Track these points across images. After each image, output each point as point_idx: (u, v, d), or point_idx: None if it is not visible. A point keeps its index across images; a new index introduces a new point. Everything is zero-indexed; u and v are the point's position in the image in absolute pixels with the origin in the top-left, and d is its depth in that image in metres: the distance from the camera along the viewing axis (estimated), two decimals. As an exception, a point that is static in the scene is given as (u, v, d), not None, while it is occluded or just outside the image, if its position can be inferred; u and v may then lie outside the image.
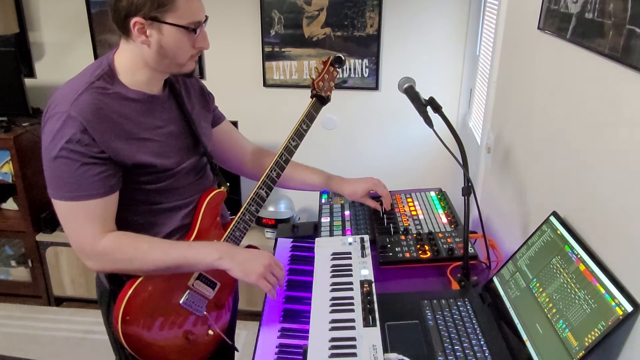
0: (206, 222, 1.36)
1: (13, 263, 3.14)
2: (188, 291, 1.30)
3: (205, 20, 1.22)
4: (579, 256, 1.04)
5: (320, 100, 1.53)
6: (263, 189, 1.40)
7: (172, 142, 1.29)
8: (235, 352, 1.53)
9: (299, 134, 1.46)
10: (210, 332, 1.36)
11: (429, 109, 1.48)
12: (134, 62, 1.21)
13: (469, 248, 1.40)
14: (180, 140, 1.32)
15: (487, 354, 1.10)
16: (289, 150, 1.44)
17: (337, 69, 1.57)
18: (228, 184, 1.46)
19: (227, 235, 1.36)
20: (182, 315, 1.30)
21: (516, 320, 1.15)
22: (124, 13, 1.13)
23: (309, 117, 1.49)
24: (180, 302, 1.29)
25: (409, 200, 1.81)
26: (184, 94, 1.36)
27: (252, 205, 1.38)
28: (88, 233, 1.18)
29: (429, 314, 1.23)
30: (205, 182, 1.41)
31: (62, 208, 1.18)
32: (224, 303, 1.40)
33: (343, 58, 1.57)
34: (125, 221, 1.25)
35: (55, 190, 1.17)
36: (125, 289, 1.23)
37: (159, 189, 1.28)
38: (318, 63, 1.61)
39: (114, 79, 1.20)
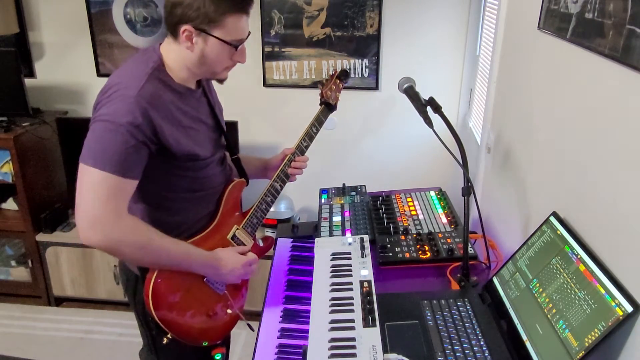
0: (228, 209, 1.47)
1: (13, 263, 3.14)
2: None
3: (248, 35, 1.31)
4: (578, 256, 1.04)
5: (328, 107, 1.72)
6: (277, 182, 1.55)
7: (208, 134, 1.40)
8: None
9: (309, 136, 1.64)
10: (229, 310, 1.43)
11: (428, 109, 1.48)
12: (177, 60, 1.30)
13: (469, 248, 1.40)
14: (212, 133, 1.43)
15: (487, 354, 1.10)
16: (301, 149, 1.62)
17: (343, 82, 1.78)
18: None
19: (245, 221, 1.48)
20: (204, 292, 1.37)
21: (516, 321, 1.15)
22: (176, 19, 1.23)
23: (318, 122, 1.67)
24: (205, 278, 1.36)
25: (409, 200, 1.81)
26: (209, 92, 1.46)
27: (268, 197, 1.53)
28: (112, 209, 1.18)
29: (429, 314, 1.23)
30: (229, 172, 1.52)
31: (94, 176, 1.16)
32: (240, 286, 1.48)
33: (349, 72, 1.76)
34: (159, 205, 1.34)
35: (98, 158, 1.16)
36: (152, 270, 1.29)
37: (196, 178, 1.36)
38: (327, 74, 1.81)
39: (164, 71, 1.29)
